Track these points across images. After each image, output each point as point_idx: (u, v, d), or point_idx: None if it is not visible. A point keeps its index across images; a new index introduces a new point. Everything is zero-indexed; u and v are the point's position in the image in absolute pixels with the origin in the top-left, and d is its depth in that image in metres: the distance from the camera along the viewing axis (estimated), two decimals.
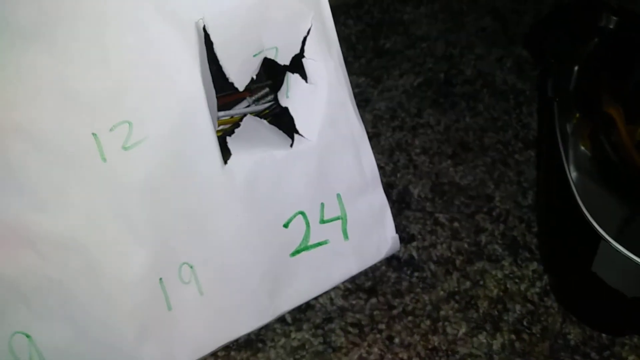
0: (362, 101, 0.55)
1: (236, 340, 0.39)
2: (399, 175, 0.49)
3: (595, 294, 0.37)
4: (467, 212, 0.47)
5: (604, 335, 0.40)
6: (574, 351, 0.39)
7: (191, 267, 0.34)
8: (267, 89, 0.43)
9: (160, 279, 0.33)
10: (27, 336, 0.31)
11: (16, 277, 0.30)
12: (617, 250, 0.32)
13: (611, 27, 0.46)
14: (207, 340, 0.35)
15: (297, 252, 0.37)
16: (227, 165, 0.34)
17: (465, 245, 0.45)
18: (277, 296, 0.37)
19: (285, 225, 0.36)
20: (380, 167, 0.50)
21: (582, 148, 0.45)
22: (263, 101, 0.43)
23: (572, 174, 0.43)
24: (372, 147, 0.51)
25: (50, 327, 0.31)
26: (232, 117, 0.42)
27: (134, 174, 0.32)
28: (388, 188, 0.48)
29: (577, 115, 0.44)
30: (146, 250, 0.32)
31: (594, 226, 0.33)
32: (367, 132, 0.39)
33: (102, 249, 0.31)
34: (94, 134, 0.30)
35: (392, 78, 0.57)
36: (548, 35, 0.47)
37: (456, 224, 0.46)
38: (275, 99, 0.39)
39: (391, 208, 0.42)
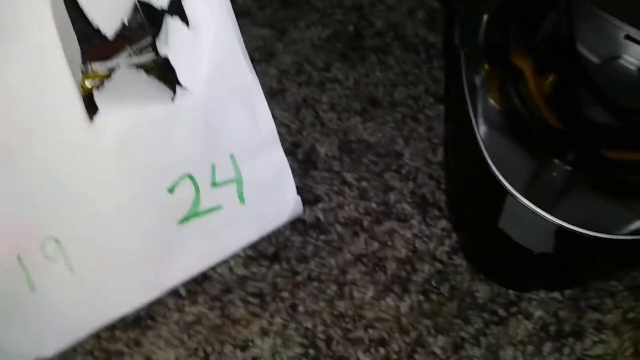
0: (266, 55, 0.51)
1: (122, 318, 0.35)
2: (305, 133, 0.46)
3: (502, 251, 0.35)
4: (375, 171, 0.45)
5: (511, 291, 0.39)
6: (481, 309, 0.38)
7: (57, 241, 0.29)
8: (150, 38, 0.38)
9: (19, 256, 0.29)
10: None
11: None
12: (524, 205, 0.31)
13: None
14: (81, 323, 0.32)
15: (185, 219, 0.33)
16: (93, 123, 0.29)
17: (374, 205, 0.43)
18: (165, 269, 0.33)
19: (171, 190, 0.32)
20: (285, 125, 0.47)
21: (491, 101, 0.43)
22: (146, 51, 0.38)
23: (480, 128, 0.42)
24: (277, 104, 0.48)
25: None
26: (110, 70, 0.37)
27: None
28: (293, 147, 0.45)
29: (486, 66, 0.42)
30: (1, 223, 0.28)
31: (500, 181, 0.31)
32: (272, 88, 0.35)
33: None
34: None
35: (298, 30, 0.53)
36: None
37: (364, 184, 0.44)
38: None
39: (296, 168, 0.39)
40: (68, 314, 0.31)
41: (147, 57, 0.38)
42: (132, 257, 0.32)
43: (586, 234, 0.31)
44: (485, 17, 0.43)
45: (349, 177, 0.44)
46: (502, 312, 0.38)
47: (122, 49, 0.38)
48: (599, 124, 0.43)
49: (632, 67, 0.47)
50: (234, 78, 0.33)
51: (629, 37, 0.46)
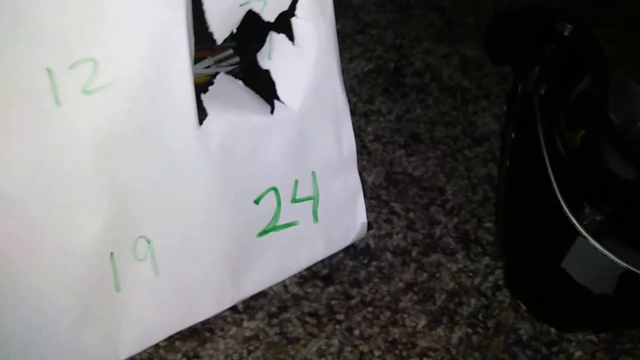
0: None
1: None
2: None
3: (560, 290, 0.37)
4: (421, 203, 0.46)
5: (552, 330, 0.40)
6: (525, 346, 0.39)
7: (148, 241, 0.29)
8: (231, 50, 0.39)
9: (112, 253, 0.28)
10: None
11: None
12: (594, 247, 0.32)
13: (566, 34, 0.47)
14: (157, 328, 0.31)
15: (264, 232, 0.33)
16: (202, 126, 0.29)
17: (421, 237, 0.44)
18: (240, 279, 0.33)
19: (257, 202, 0.32)
20: None
21: (560, 146, 0.45)
22: (225, 63, 0.39)
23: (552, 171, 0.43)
24: None
25: None
26: (211, 76, 0.37)
27: (94, 123, 0.26)
28: None
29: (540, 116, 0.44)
30: (98, 218, 0.27)
31: (572, 222, 0.33)
32: None
33: (45, 212, 0.25)
34: (48, 70, 0.24)
35: (343, 61, 0.55)
36: (508, 35, 0.47)
37: (411, 215, 0.45)
38: (243, 61, 0.35)
39: None
40: (146, 318, 0.30)
41: (225, 69, 0.38)
42: (213, 265, 0.31)
43: None
44: (536, 69, 0.45)
45: (397, 207, 0.45)
46: (544, 351, 0.39)
47: (204, 59, 0.38)
48: (626, 180, 0.46)
49: None
50: (329, 97, 0.33)
51: None
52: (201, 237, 0.30)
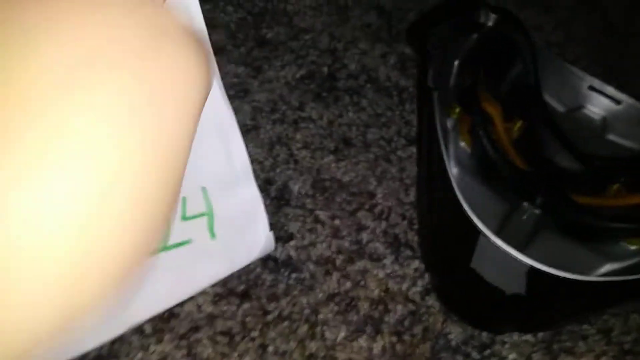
0: (241, 92, 0.51)
1: (84, 357, 0.33)
2: (278, 170, 0.46)
3: (475, 291, 0.35)
4: (348, 210, 0.44)
5: (484, 333, 0.39)
6: (455, 351, 0.38)
7: None
8: None
9: None
10: None
11: None
12: (496, 245, 0.31)
13: (490, 24, 0.46)
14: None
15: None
16: None
17: (346, 244, 0.42)
18: (131, 304, 0.32)
19: None
20: (258, 162, 0.47)
21: (462, 143, 0.44)
22: None
23: (453, 169, 0.43)
24: (251, 141, 0.48)
25: None
26: None
27: None
28: (266, 184, 0.45)
29: (458, 110, 0.43)
30: None
31: (472, 221, 0.31)
32: (246, 125, 0.35)
33: None
34: None
35: (273, 69, 0.54)
36: (430, 30, 0.46)
37: (337, 222, 0.43)
38: None
39: (269, 205, 0.39)
40: None
41: None
42: None
43: (557, 275, 0.31)
44: (456, 62, 0.44)
45: (322, 215, 0.44)
46: (475, 355, 0.38)
47: None
48: (564, 168, 0.45)
49: (595, 117, 0.49)
50: (209, 111, 0.32)
51: (592, 88, 0.48)
52: None
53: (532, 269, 0.30)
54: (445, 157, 0.34)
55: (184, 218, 0.32)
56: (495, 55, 0.47)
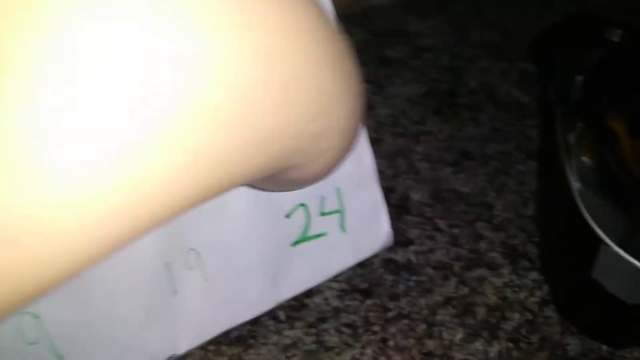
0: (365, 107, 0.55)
1: (227, 335, 0.38)
2: (399, 180, 0.49)
3: (595, 302, 0.36)
4: (467, 220, 0.46)
5: (604, 347, 0.39)
6: None
7: (198, 253, 0.34)
8: None
9: (167, 263, 0.33)
10: (36, 316, 0.30)
11: None
12: (619, 255, 0.31)
13: (616, 40, 0.46)
14: (210, 325, 0.36)
15: (297, 242, 0.37)
16: None
17: (464, 252, 0.44)
18: (278, 284, 0.37)
19: (288, 216, 0.36)
20: (380, 171, 0.50)
21: (584, 159, 0.45)
22: None
23: (575, 184, 0.43)
24: (374, 152, 0.51)
25: (59, 307, 0.31)
26: None
27: None
28: (388, 192, 0.48)
29: (580, 125, 0.44)
30: (154, 235, 0.32)
31: (594, 230, 0.32)
32: (370, 137, 0.39)
33: None
34: None
35: (395, 86, 0.57)
36: (552, 46, 0.47)
37: (456, 230, 0.46)
38: None
39: (390, 212, 0.42)
40: (200, 317, 0.35)
41: None
42: (253, 272, 0.36)
43: None
44: (579, 78, 0.45)
45: (441, 223, 0.46)
46: None
47: None
48: None
49: None
50: None
51: None
52: (241, 249, 0.35)
53: None
54: (567, 171, 0.36)
55: (322, 214, 0.37)
56: (621, 71, 0.47)
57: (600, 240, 0.32)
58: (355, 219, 0.38)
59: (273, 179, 0.19)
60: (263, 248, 0.36)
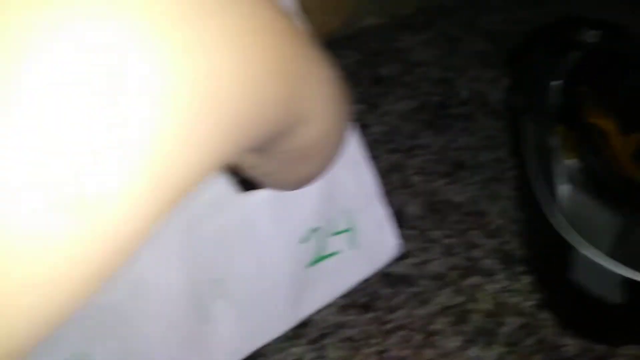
0: (360, 126, 0.57)
1: None
2: (394, 195, 0.51)
3: (581, 303, 0.37)
4: (461, 229, 0.48)
5: (602, 346, 0.40)
6: None
7: (224, 282, 0.36)
8: None
9: (198, 296, 0.36)
10: (88, 355, 0.33)
11: None
12: (589, 258, 0.32)
13: (592, 40, 0.47)
14: (240, 348, 0.38)
15: (313, 262, 0.39)
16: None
17: (458, 261, 0.46)
18: (299, 302, 0.40)
19: (303, 240, 0.38)
20: None
21: (570, 161, 0.46)
22: None
23: (562, 187, 0.44)
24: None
25: (105, 346, 0.34)
26: None
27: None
28: None
29: (562, 129, 0.45)
30: (184, 268, 0.35)
31: (562, 235, 0.33)
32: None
33: (148, 269, 0.34)
34: None
35: (389, 103, 0.59)
36: (527, 55, 0.48)
37: (450, 240, 0.47)
38: None
39: None
40: (230, 341, 0.37)
41: None
42: (276, 296, 0.39)
43: None
44: (555, 82, 0.46)
45: (435, 234, 0.47)
46: None
47: None
48: None
49: None
50: (348, 154, 0.39)
51: None
52: (264, 274, 0.38)
53: (628, 279, 0.32)
54: (532, 175, 0.37)
55: (334, 234, 0.39)
56: (603, 70, 0.47)
57: (571, 245, 0.33)
58: (365, 235, 0.41)
59: (281, 160, 0.20)
60: (282, 273, 0.39)
